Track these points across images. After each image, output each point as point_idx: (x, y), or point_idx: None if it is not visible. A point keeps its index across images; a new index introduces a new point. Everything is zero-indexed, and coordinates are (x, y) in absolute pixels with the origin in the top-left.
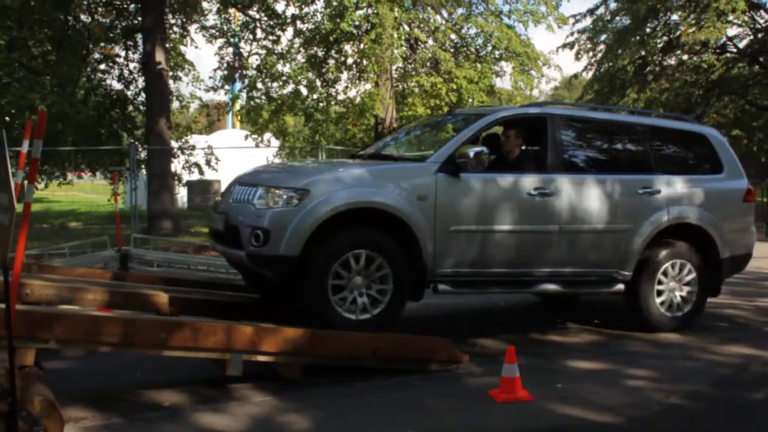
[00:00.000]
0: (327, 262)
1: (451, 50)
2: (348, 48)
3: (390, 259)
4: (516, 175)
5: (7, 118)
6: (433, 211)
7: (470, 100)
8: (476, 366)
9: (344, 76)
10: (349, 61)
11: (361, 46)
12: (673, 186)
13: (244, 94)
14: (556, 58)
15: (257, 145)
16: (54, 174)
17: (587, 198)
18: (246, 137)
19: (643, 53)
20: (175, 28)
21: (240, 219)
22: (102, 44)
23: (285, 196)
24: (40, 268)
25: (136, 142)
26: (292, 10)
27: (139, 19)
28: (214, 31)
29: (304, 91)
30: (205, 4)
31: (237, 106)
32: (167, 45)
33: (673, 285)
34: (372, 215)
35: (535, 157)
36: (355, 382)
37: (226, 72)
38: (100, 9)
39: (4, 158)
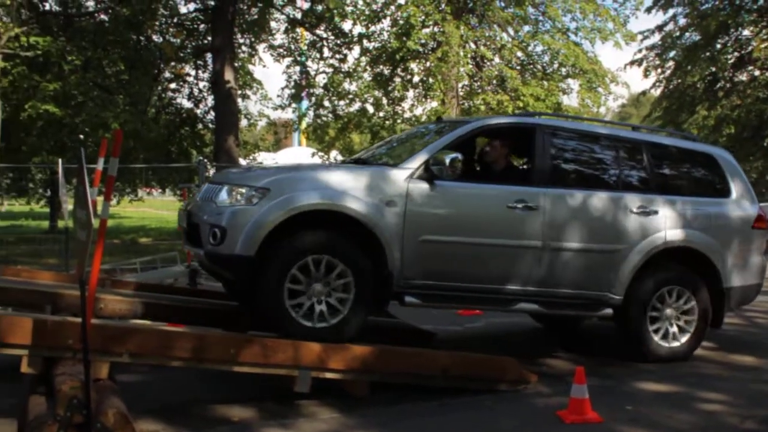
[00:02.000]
0: (283, 265)
1: (518, 68)
2: (414, 66)
3: (352, 266)
4: (495, 186)
5: (81, 136)
6: (403, 219)
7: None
8: (544, 386)
9: (410, 94)
10: (416, 79)
11: (428, 64)
12: (672, 207)
13: (311, 112)
14: (623, 75)
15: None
16: (125, 191)
17: (575, 214)
18: (312, 155)
19: (713, 69)
20: (244, 48)
21: (201, 217)
22: (173, 64)
23: (246, 195)
24: (112, 282)
25: (205, 160)
26: (358, 29)
27: (209, 39)
28: (281, 50)
29: (370, 109)
30: (273, 24)
31: (304, 124)
32: (236, 64)
33: (669, 313)
34: (337, 220)
35: (523, 168)
36: (423, 401)
37: (293, 90)
38: (171, 29)
39: (82, 175)
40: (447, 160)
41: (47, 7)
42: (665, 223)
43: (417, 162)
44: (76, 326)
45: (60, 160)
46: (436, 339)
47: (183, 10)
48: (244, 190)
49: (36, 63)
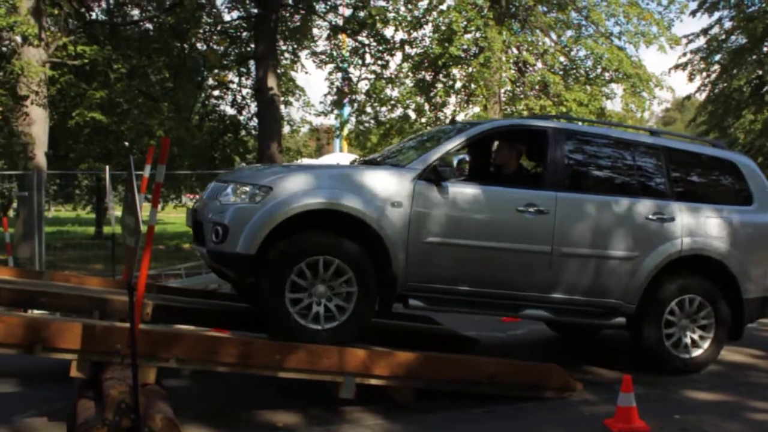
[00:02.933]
0: (285, 265)
1: (561, 73)
2: (456, 72)
3: (355, 268)
4: (505, 189)
5: (126, 143)
6: (408, 220)
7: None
8: (590, 394)
9: (452, 99)
10: (458, 84)
11: (470, 69)
12: (690, 214)
13: (353, 119)
14: (668, 79)
15: None
16: (170, 196)
17: (587, 220)
18: (354, 161)
19: (760, 72)
20: (287, 55)
21: (205, 215)
22: (216, 71)
23: (249, 193)
24: (158, 288)
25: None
26: (400, 35)
27: (252, 46)
28: (324, 56)
29: (412, 115)
30: (315, 31)
31: (346, 130)
32: (279, 71)
33: (684, 323)
34: (341, 220)
35: (535, 172)
36: (469, 408)
37: (335, 97)
38: (214, 37)
39: (131, 183)
40: (455, 162)
41: (93, 16)
42: (682, 230)
43: (424, 163)
44: (124, 331)
45: (107, 167)
46: (479, 346)
47: (227, 18)
48: (248, 188)
49: (83, 71)
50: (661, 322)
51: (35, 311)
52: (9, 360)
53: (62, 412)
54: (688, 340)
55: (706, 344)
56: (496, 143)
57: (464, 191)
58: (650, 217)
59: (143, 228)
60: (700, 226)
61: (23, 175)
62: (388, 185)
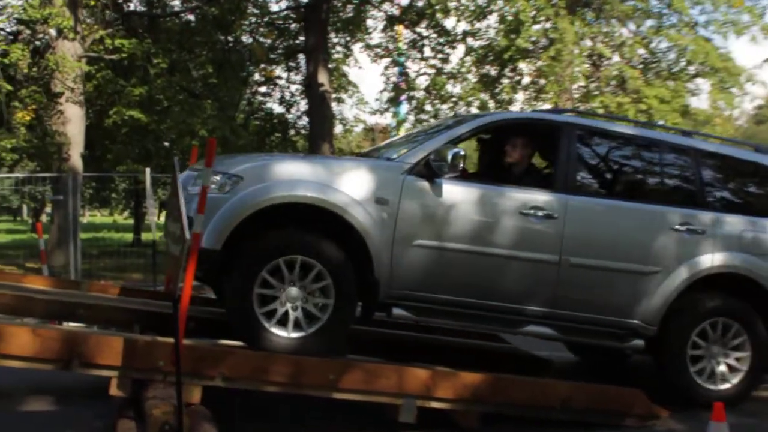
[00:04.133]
0: (253, 265)
1: (640, 66)
2: (524, 66)
3: (333, 270)
4: (507, 189)
5: (166, 143)
6: (395, 219)
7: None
8: (676, 422)
9: (519, 96)
10: (525, 80)
11: (539, 63)
12: (724, 226)
13: (411, 117)
14: (760, 73)
15: None
16: None
17: (602, 227)
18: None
19: None
20: (339, 48)
21: (170, 204)
22: (263, 66)
23: (219, 182)
24: (201, 300)
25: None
26: (463, 26)
27: (302, 39)
28: (379, 50)
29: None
30: (369, 22)
31: (403, 130)
32: (330, 65)
33: (715, 350)
34: (318, 216)
35: (544, 172)
36: None
37: (391, 93)
38: (261, 29)
39: (176, 187)
40: (449, 156)
41: (132, 8)
42: (714, 244)
43: (416, 156)
44: (167, 347)
45: (147, 170)
46: (552, 367)
47: (274, 8)
48: (218, 177)
49: (121, 66)
50: (686, 347)
51: (71, 324)
52: (44, 375)
53: None
54: (719, 370)
55: (742, 373)
56: (502, 138)
57: (460, 189)
58: (677, 227)
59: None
60: (736, 241)
61: (58, 178)
62: (373, 179)
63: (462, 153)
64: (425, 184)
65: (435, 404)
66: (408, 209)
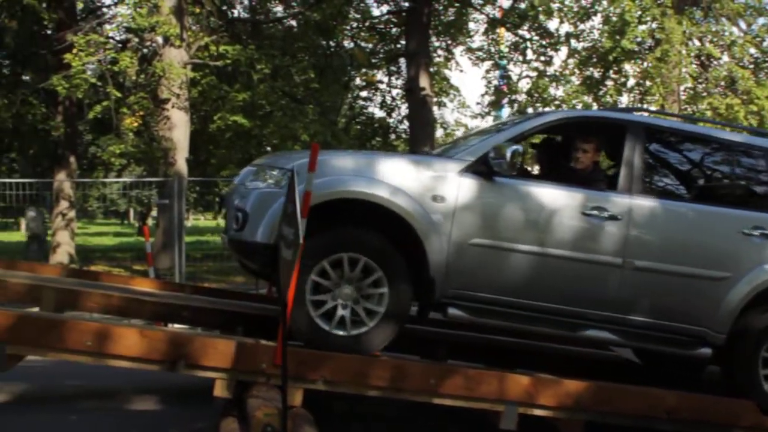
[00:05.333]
0: (307, 260)
1: (751, 66)
2: (629, 67)
3: (385, 268)
4: (569, 188)
5: (268, 148)
6: (451, 217)
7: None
8: None
9: (624, 98)
10: (630, 82)
11: (645, 65)
12: None
13: None
14: None
15: None
16: None
17: (669, 230)
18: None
19: None
20: (440, 51)
21: (229, 200)
22: (364, 70)
23: (275, 177)
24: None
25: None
26: (566, 28)
27: (403, 42)
28: (480, 53)
29: None
30: (471, 25)
31: None
32: (431, 69)
33: None
34: (374, 212)
35: (608, 172)
36: None
37: (493, 97)
38: (362, 34)
39: (292, 191)
40: (508, 153)
41: (236, 14)
42: None
43: (474, 154)
44: (270, 349)
45: None
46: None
47: (375, 13)
48: (275, 172)
49: (224, 72)
50: (758, 359)
51: (176, 325)
52: (150, 375)
53: None
54: None
55: None
56: (567, 136)
57: (520, 188)
58: (749, 231)
59: None
60: None
61: (164, 182)
62: (430, 177)
63: (521, 150)
64: (483, 182)
65: (537, 411)
66: (465, 207)
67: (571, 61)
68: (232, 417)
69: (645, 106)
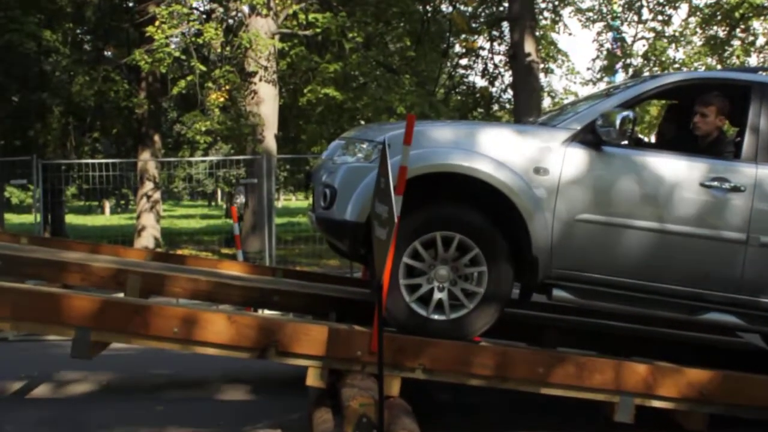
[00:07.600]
0: (397, 241)
1: None
2: (758, 25)
3: (487, 249)
4: (686, 157)
5: (362, 122)
6: (556, 191)
7: None
8: None
9: (752, 59)
10: (760, 40)
11: None
12: None
13: None
14: None
15: None
16: None
17: None
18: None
19: None
20: (546, 14)
21: (317, 176)
22: (464, 36)
23: (365, 150)
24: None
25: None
26: None
27: (506, 5)
28: (591, 14)
29: None
30: None
31: None
32: (537, 33)
33: None
34: (471, 187)
35: (731, 139)
36: None
37: (605, 61)
38: None
39: (385, 167)
40: (617, 121)
41: None
42: None
43: (581, 122)
44: (365, 336)
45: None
46: None
47: None
48: (365, 145)
49: (314, 42)
50: None
51: (267, 311)
52: (239, 363)
53: (297, 424)
54: None
55: None
56: (684, 100)
57: (631, 158)
58: None
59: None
60: None
61: (252, 160)
62: (532, 147)
63: (632, 116)
64: (591, 152)
65: (656, 403)
66: (570, 180)
67: (692, 19)
68: (326, 407)
69: None
